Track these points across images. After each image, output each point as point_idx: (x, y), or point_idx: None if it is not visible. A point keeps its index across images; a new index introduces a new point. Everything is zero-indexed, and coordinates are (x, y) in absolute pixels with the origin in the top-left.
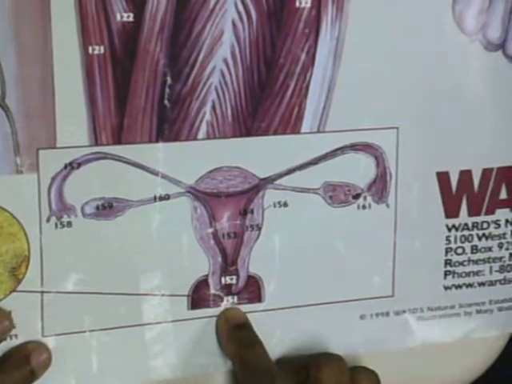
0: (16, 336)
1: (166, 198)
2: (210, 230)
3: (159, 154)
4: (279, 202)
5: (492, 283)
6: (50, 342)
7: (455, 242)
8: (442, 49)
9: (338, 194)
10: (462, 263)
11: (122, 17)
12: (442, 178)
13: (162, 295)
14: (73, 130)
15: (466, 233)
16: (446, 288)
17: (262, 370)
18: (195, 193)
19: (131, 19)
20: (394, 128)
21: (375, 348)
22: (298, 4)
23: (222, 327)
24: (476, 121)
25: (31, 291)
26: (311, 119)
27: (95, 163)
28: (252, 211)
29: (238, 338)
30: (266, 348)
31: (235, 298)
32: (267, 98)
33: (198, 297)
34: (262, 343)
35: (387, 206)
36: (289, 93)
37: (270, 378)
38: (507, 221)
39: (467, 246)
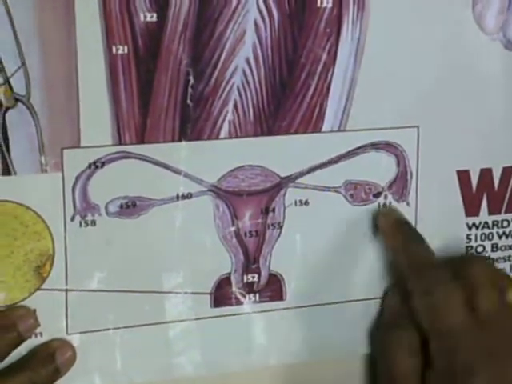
0: (41, 334)
1: (189, 196)
2: (232, 229)
3: (182, 153)
4: (300, 201)
5: None
6: (75, 339)
7: (475, 240)
8: (462, 47)
9: (359, 193)
10: None
11: (145, 17)
12: (463, 176)
13: (185, 293)
14: (97, 130)
15: (486, 231)
16: None
17: (430, 264)
18: (217, 191)
19: (154, 19)
20: (414, 127)
21: None
22: (319, 4)
23: (384, 221)
24: (496, 119)
25: (56, 289)
26: (332, 118)
27: (119, 162)
28: (273, 210)
29: (404, 231)
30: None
31: (257, 296)
32: (289, 97)
33: (221, 295)
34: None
35: (408, 204)
36: (310, 92)
37: (438, 274)
38: None
39: (487, 244)
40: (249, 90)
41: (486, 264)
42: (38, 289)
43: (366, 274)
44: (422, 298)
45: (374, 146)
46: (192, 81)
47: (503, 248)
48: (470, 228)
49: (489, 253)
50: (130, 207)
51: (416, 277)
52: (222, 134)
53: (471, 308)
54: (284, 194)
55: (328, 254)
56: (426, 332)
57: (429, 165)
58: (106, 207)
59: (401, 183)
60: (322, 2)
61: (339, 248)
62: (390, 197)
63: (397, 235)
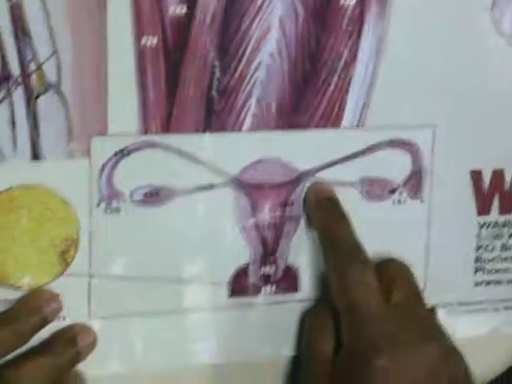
0: (64, 318)
1: (211, 187)
2: (252, 221)
3: (205, 144)
4: None
5: None
6: (96, 324)
7: (486, 239)
8: (479, 50)
9: (375, 189)
10: (491, 260)
11: (175, 9)
12: (475, 176)
13: (204, 282)
14: (124, 118)
15: (496, 230)
16: (476, 284)
17: (347, 242)
18: (239, 183)
19: (184, 11)
20: (431, 126)
21: None
22: (342, 2)
23: (311, 197)
24: (510, 121)
25: (79, 274)
26: (351, 114)
27: (144, 151)
28: (292, 203)
29: (327, 209)
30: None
31: (273, 287)
32: (310, 92)
33: (238, 285)
34: (349, 219)
35: (422, 201)
36: (331, 88)
37: (354, 252)
38: None
39: (497, 243)
40: (272, 85)
41: (401, 263)
42: (62, 273)
43: None
44: (337, 273)
45: (391, 143)
46: (218, 74)
47: None
48: (481, 227)
49: (498, 252)
50: (154, 196)
51: (333, 253)
52: (245, 127)
53: (385, 294)
54: (303, 188)
55: None
56: (339, 309)
57: (443, 164)
58: (131, 195)
59: (415, 180)
60: (345, 0)
61: None
62: (404, 193)
63: (320, 213)
